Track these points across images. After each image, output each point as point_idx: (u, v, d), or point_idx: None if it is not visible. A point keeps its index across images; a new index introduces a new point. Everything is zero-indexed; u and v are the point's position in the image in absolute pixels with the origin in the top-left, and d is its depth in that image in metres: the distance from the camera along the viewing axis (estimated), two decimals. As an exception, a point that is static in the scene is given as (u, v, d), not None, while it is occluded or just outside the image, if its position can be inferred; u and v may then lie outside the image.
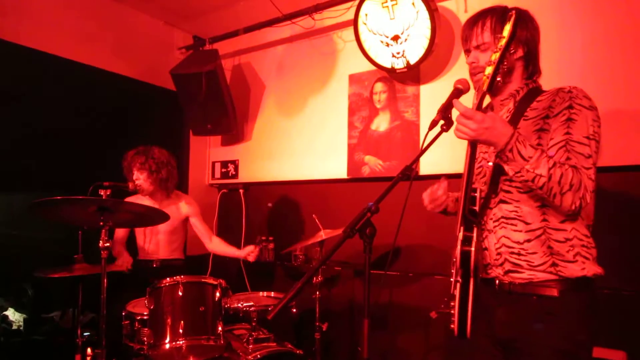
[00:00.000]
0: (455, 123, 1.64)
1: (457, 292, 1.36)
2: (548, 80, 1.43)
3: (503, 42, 1.21)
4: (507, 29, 1.21)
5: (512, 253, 1.35)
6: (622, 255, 2.14)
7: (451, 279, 1.45)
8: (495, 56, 1.23)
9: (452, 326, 1.39)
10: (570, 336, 1.29)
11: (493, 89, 1.43)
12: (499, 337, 1.39)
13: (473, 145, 1.32)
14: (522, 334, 1.33)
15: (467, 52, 1.47)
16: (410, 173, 1.29)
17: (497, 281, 1.39)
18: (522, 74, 1.43)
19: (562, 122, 1.29)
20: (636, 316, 2.10)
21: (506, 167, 1.25)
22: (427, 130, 1.36)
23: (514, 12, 1.21)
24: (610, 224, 2.09)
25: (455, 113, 1.41)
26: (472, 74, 1.46)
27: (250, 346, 2.18)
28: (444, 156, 2.54)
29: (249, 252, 2.78)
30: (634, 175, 2.18)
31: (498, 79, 1.21)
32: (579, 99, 1.30)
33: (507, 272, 1.37)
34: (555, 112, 1.31)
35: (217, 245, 2.99)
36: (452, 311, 1.39)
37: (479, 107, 1.25)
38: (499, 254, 1.38)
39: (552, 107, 1.32)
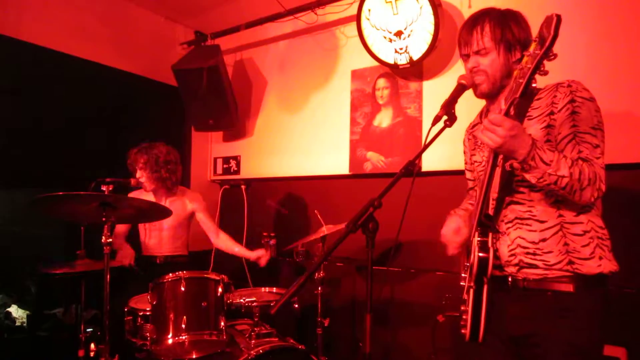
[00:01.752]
0: (470, 123, 1.66)
1: (470, 298, 1.36)
2: (552, 80, 1.41)
3: (544, 46, 1.11)
4: (548, 31, 1.12)
5: (528, 253, 1.35)
6: (624, 253, 2.12)
7: (462, 283, 1.45)
8: (528, 61, 1.15)
9: (463, 331, 1.39)
10: (585, 333, 1.29)
11: (497, 93, 1.43)
12: (512, 333, 1.38)
13: (495, 154, 1.29)
14: (537, 329, 1.32)
15: (466, 56, 1.46)
16: (413, 169, 1.29)
17: (510, 278, 1.38)
18: None
19: (567, 116, 1.30)
20: (637, 313, 2.10)
21: (527, 176, 1.23)
22: (429, 126, 1.36)
23: (555, 15, 1.13)
24: (612, 222, 2.09)
25: (459, 108, 1.41)
26: (472, 78, 1.44)
27: (253, 341, 2.18)
28: (446, 152, 2.54)
29: (260, 256, 2.78)
30: (636, 173, 2.17)
31: (534, 84, 1.16)
32: (579, 91, 1.32)
33: (520, 269, 1.36)
34: (559, 107, 1.31)
35: (224, 242, 2.96)
36: (464, 316, 1.39)
37: (507, 113, 1.21)
38: (512, 255, 1.37)
39: (555, 104, 1.33)
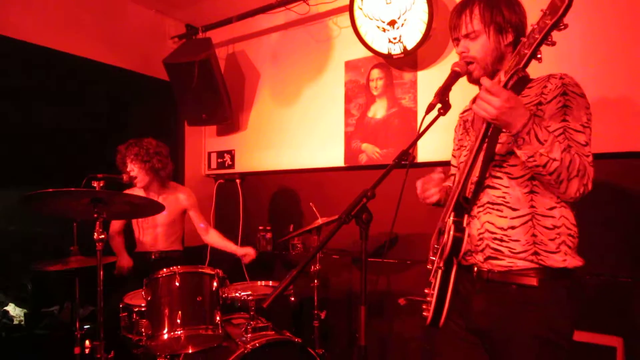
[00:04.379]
0: (457, 105, 1.63)
1: (436, 280, 1.35)
2: (547, 69, 1.39)
3: (557, 14, 1.05)
4: (562, 0, 1.05)
5: (495, 239, 1.33)
6: (618, 242, 2.13)
7: (429, 266, 1.43)
8: (535, 31, 1.09)
9: (424, 314, 1.39)
10: (550, 325, 1.27)
11: (491, 78, 1.40)
12: (476, 326, 1.37)
13: (487, 127, 1.25)
14: (501, 323, 1.31)
15: (456, 40, 1.43)
16: (407, 158, 1.27)
17: (475, 268, 1.37)
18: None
19: (558, 109, 1.26)
20: (632, 302, 2.10)
21: (519, 152, 1.19)
22: (423, 115, 1.34)
23: None
24: (606, 212, 2.09)
25: (453, 97, 1.39)
26: (462, 63, 1.41)
27: (249, 335, 2.17)
28: (441, 142, 2.52)
29: (246, 253, 2.77)
30: (630, 162, 2.16)
31: (539, 55, 1.11)
32: (571, 86, 1.28)
33: (487, 259, 1.35)
34: (548, 99, 1.28)
35: (214, 238, 2.97)
36: (429, 298, 1.37)
37: (505, 85, 1.16)
38: (480, 239, 1.36)
39: (544, 94, 1.29)
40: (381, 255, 2.66)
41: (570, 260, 1.29)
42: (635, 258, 2.11)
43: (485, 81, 1.15)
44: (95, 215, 1.95)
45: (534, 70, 1.42)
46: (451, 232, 1.30)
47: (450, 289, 1.32)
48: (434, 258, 1.41)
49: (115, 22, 3.34)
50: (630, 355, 1.99)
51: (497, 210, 1.34)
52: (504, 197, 1.34)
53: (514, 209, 1.32)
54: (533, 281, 1.28)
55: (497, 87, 1.14)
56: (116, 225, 2.88)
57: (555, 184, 1.20)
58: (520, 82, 1.38)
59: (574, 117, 1.25)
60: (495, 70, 1.40)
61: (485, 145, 1.33)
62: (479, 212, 1.37)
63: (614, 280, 2.13)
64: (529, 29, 1.14)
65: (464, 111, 1.64)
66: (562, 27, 1.07)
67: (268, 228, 3.44)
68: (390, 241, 2.77)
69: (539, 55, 1.11)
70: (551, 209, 1.30)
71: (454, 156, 1.69)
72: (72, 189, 1.90)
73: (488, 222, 1.35)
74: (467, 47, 1.39)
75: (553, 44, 1.10)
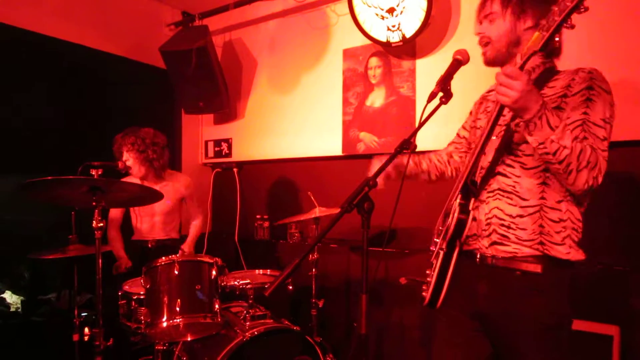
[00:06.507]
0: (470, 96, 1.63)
1: (437, 261, 1.37)
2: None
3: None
4: None
5: (502, 225, 1.34)
6: (615, 232, 2.14)
7: (432, 248, 1.45)
8: (555, 13, 1.08)
9: (423, 294, 1.41)
10: (555, 311, 1.30)
11: (505, 61, 1.39)
12: (479, 310, 1.38)
13: (499, 112, 1.24)
14: (507, 308, 1.32)
15: (480, 22, 1.45)
16: (408, 147, 1.27)
17: (478, 254, 1.38)
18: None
19: (581, 102, 1.26)
20: (628, 291, 2.12)
21: (530, 138, 1.19)
22: (423, 104, 1.33)
23: None
24: (603, 201, 2.09)
25: (454, 85, 1.39)
26: (480, 45, 1.45)
27: (248, 323, 2.18)
28: (440, 131, 2.51)
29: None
30: (625, 151, 2.16)
31: (557, 38, 1.10)
32: (599, 81, 1.28)
33: (492, 244, 1.36)
34: (573, 92, 1.28)
35: (190, 229, 3.02)
36: (428, 279, 1.39)
37: (522, 67, 1.16)
38: (488, 224, 1.37)
39: (570, 86, 1.29)
40: (379, 245, 2.66)
41: (574, 254, 1.31)
42: (631, 247, 2.13)
43: (504, 67, 1.16)
44: (94, 204, 1.94)
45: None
46: (455, 214, 1.31)
47: (451, 272, 1.33)
48: (437, 240, 1.42)
49: (111, 8, 3.29)
50: (627, 343, 2.01)
51: (507, 197, 1.35)
52: (514, 187, 1.34)
53: (524, 199, 1.33)
54: (537, 268, 1.29)
55: (516, 70, 1.13)
56: (115, 213, 2.87)
57: (564, 173, 1.20)
58: (546, 73, 1.38)
59: (596, 112, 1.25)
60: (511, 53, 1.39)
61: (502, 132, 1.33)
62: (488, 197, 1.38)
63: (611, 269, 2.14)
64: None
65: (490, 90, 1.62)
66: (583, 9, 1.05)
67: (265, 217, 3.44)
68: (389, 230, 2.77)
69: (557, 39, 1.10)
70: (559, 202, 1.31)
71: (463, 128, 1.69)
72: (71, 176, 1.89)
73: (497, 208, 1.36)
74: (484, 28, 1.41)
75: (572, 27, 1.08)
